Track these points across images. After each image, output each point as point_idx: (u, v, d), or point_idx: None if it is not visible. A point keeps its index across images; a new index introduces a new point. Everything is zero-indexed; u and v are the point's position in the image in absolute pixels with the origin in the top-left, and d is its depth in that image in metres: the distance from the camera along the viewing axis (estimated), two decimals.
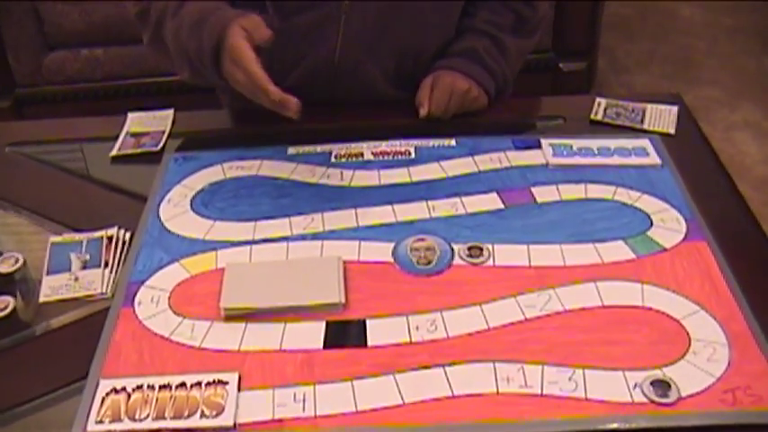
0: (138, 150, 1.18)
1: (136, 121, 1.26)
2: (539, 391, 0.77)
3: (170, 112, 1.27)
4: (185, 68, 1.13)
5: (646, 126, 1.18)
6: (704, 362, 0.79)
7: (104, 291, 0.93)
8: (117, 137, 1.21)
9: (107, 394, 0.79)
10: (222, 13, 1.04)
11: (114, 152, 1.18)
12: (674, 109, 1.21)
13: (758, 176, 2.16)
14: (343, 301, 0.87)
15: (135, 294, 0.91)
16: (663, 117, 1.20)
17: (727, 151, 2.20)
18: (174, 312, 0.88)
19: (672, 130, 1.17)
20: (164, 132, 1.22)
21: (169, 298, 0.90)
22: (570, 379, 0.78)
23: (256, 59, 0.98)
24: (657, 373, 0.78)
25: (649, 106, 1.22)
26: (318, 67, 1.19)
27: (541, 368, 0.79)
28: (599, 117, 1.20)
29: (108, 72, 2.24)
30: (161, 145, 1.18)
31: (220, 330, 0.86)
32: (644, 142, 1.13)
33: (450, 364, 0.80)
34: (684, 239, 0.95)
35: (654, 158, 1.09)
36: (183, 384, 0.79)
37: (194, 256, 0.96)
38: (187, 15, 1.07)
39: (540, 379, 0.78)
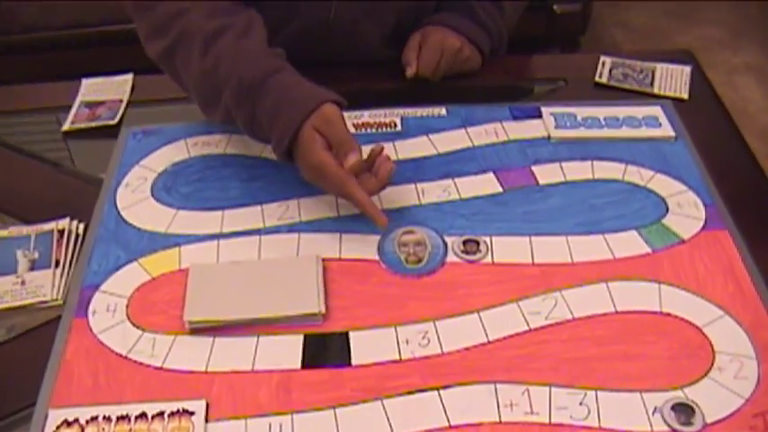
0: (93, 124, 1.06)
1: (91, 87, 1.14)
2: (546, 420, 0.68)
3: (128, 77, 1.15)
4: (216, 115, 0.92)
5: (656, 90, 1.07)
6: (730, 380, 0.70)
7: (55, 297, 0.83)
8: (70, 107, 1.09)
9: (58, 428, 0.69)
10: (285, 91, 0.85)
11: (67, 126, 1.06)
12: (687, 69, 1.10)
13: (763, 125, 2.04)
14: (323, 310, 0.77)
15: (89, 302, 0.81)
16: (674, 79, 1.08)
17: (729, 97, 2.07)
18: (133, 324, 0.78)
19: (685, 95, 1.06)
20: (121, 101, 1.10)
21: (127, 306, 0.80)
22: (581, 403, 0.69)
23: (349, 177, 0.83)
24: (679, 395, 0.69)
25: (659, 66, 1.10)
26: (312, 26, 1.07)
27: (549, 390, 0.70)
28: (604, 80, 1.09)
29: (67, 19, 2.08)
30: (118, 117, 1.07)
31: (185, 346, 0.76)
32: (655, 110, 1.02)
33: (444, 387, 0.71)
34: (704, 228, 0.85)
35: (667, 130, 0.98)
36: (143, 415, 0.70)
37: (155, 254, 0.85)
38: (232, 72, 0.87)
39: (548, 404, 0.69)
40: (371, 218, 0.83)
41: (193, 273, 0.81)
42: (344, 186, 0.83)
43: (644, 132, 0.98)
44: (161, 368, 0.74)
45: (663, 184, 0.91)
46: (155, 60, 0.96)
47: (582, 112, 1.01)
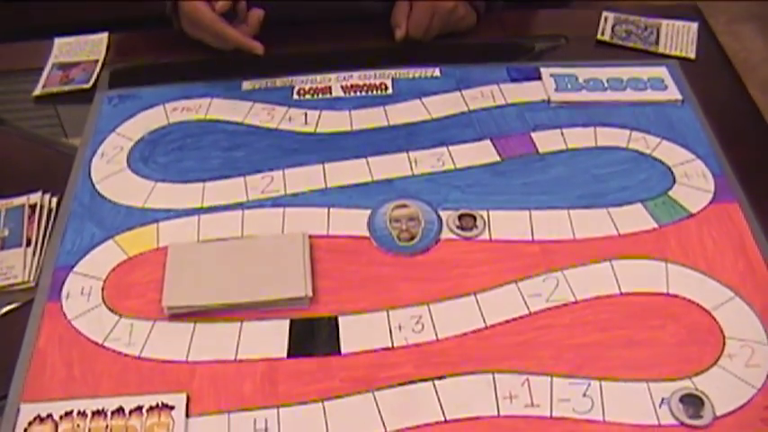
0: (67, 88, 1.00)
1: (64, 48, 1.07)
2: (548, 413, 0.64)
3: (104, 36, 1.08)
4: None
5: (661, 48, 1.01)
6: (741, 368, 0.67)
7: (27, 279, 0.78)
8: (41, 69, 1.03)
9: (30, 424, 0.65)
10: None
11: (38, 91, 1.00)
12: (694, 26, 1.04)
13: (765, 77, 1.97)
14: (311, 294, 0.72)
15: (62, 284, 0.76)
16: (680, 36, 1.02)
17: (731, 47, 1.99)
18: (109, 309, 0.74)
19: (692, 54, 1.00)
20: (96, 62, 1.04)
21: (103, 289, 0.75)
22: (585, 395, 0.65)
23: (220, 18, 0.92)
24: (687, 385, 0.65)
25: (664, 23, 1.04)
26: None
27: (550, 380, 0.66)
28: (606, 37, 1.03)
29: None
30: (93, 79, 1.01)
31: (164, 333, 0.71)
32: (661, 71, 0.96)
33: (440, 378, 0.67)
34: (713, 201, 0.80)
35: (673, 92, 0.93)
36: (120, 410, 0.66)
37: (132, 231, 0.80)
38: None
39: (550, 395, 0.65)
40: (244, 47, 0.93)
41: (172, 254, 0.76)
42: (215, 25, 0.92)
43: (649, 95, 0.93)
44: (139, 357, 0.70)
45: (669, 152, 0.86)
46: None
47: (583, 73, 0.96)
